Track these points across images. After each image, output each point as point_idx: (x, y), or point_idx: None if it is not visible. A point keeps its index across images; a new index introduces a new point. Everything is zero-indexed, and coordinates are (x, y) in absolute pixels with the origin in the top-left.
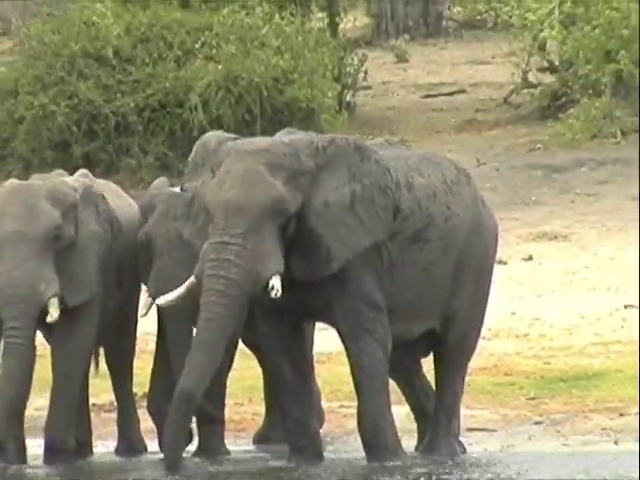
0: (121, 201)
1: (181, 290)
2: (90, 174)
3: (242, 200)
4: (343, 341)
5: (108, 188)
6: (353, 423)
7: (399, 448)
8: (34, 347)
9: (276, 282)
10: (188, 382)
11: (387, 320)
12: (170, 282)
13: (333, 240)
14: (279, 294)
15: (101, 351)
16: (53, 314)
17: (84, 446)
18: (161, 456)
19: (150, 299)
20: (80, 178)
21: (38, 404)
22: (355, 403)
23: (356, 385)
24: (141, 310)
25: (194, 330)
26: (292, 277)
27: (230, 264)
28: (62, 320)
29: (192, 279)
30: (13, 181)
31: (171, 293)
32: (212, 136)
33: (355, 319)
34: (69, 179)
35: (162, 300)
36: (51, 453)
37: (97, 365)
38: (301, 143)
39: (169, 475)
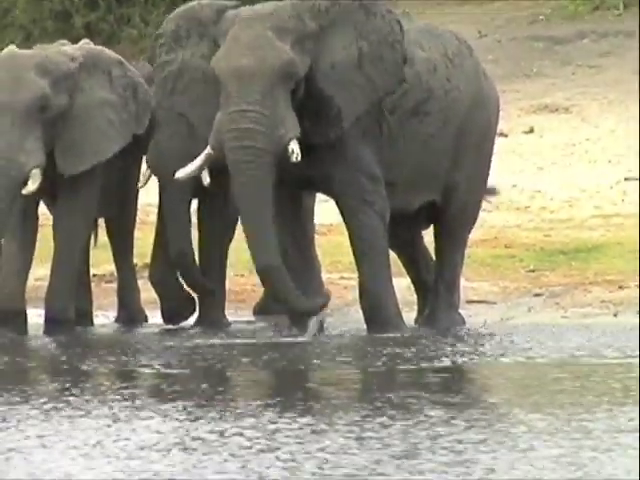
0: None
1: (198, 162)
2: (92, 44)
3: (254, 66)
4: (342, 213)
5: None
6: (353, 294)
7: (400, 320)
8: (34, 218)
9: (295, 146)
10: (265, 257)
11: (385, 192)
12: (165, 155)
13: (343, 100)
14: (299, 157)
15: (101, 222)
16: (30, 186)
17: (84, 316)
18: (162, 326)
19: (148, 170)
20: (85, 46)
21: (39, 274)
22: (355, 274)
23: (356, 258)
24: (140, 181)
25: (191, 202)
26: (305, 142)
27: (252, 132)
28: (63, 191)
29: (209, 150)
30: (11, 48)
31: (189, 165)
32: (204, 5)
33: (354, 191)
34: (70, 48)
35: (182, 173)
36: (51, 323)
37: (96, 236)
38: (303, 6)
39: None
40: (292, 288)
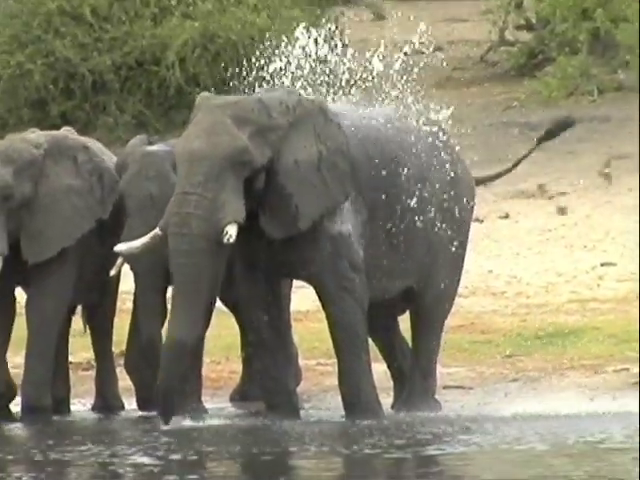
0: (103, 158)
1: (145, 240)
2: (74, 131)
3: (205, 150)
4: (321, 299)
5: (93, 145)
6: (330, 380)
7: (379, 407)
8: (10, 303)
9: (231, 229)
10: (182, 332)
11: (365, 279)
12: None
13: (302, 199)
14: (232, 240)
15: (78, 309)
16: None
17: (62, 404)
18: (138, 414)
19: (121, 259)
20: (52, 132)
21: (15, 362)
22: (332, 360)
23: (335, 345)
24: (112, 270)
25: (166, 289)
26: (267, 236)
27: (190, 217)
28: (36, 277)
29: (157, 231)
30: None
31: (135, 242)
32: (202, 96)
33: (333, 277)
34: (36, 135)
35: (124, 247)
36: (27, 411)
37: (84, 323)
38: (272, 101)
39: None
40: (177, 375)
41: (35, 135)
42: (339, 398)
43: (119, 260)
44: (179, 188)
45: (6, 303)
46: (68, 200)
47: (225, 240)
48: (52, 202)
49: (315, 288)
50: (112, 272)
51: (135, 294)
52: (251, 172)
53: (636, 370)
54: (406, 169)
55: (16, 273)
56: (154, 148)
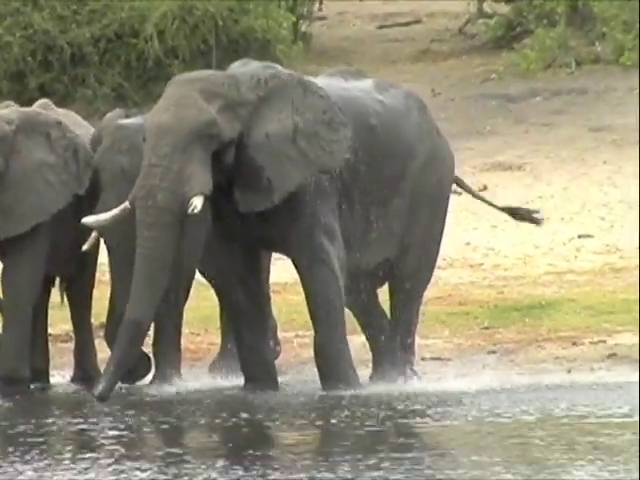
0: (81, 130)
1: (114, 212)
2: (51, 103)
3: (172, 123)
4: (298, 271)
5: (68, 118)
6: (308, 352)
7: (355, 378)
8: None
9: (197, 201)
10: (136, 313)
11: (343, 250)
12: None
13: (274, 172)
14: (196, 211)
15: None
16: None
17: (41, 375)
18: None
19: (95, 233)
20: (23, 109)
21: None
22: (310, 332)
23: (312, 316)
24: (85, 245)
25: None
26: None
27: (155, 189)
28: (9, 250)
29: (126, 204)
30: None
31: (103, 214)
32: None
33: (310, 249)
34: (8, 111)
35: (92, 219)
36: (5, 383)
37: (62, 295)
38: (243, 76)
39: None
40: (129, 355)
41: (7, 111)
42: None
43: (92, 234)
44: (146, 160)
45: None
46: (41, 176)
47: (190, 211)
48: (23, 178)
49: (292, 261)
50: (84, 247)
51: (109, 267)
52: (219, 145)
53: (612, 342)
54: (386, 141)
55: None
56: (127, 121)
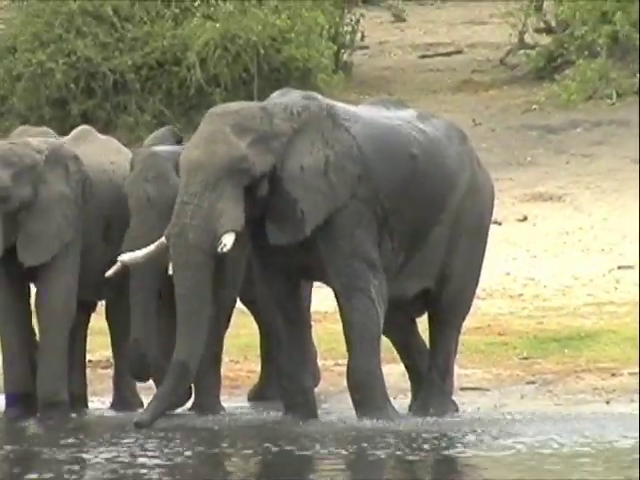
0: (120, 157)
1: (150, 249)
2: (93, 130)
3: (203, 159)
4: (337, 300)
5: (109, 144)
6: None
7: (387, 405)
8: (24, 300)
9: (227, 238)
10: (182, 354)
11: (383, 278)
12: (136, 242)
13: (308, 204)
14: (225, 249)
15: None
16: None
17: (79, 400)
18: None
19: (119, 263)
20: (50, 139)
21: None
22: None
23: (347, 342)
24: (109, 271)
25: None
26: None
27: (187, 228)
28: (40, 275)
29: (162, 240)
30: None
31: (139, 251)
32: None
33: (348, 277)
34: (36, 140)
35: (128, 257)
36: (44, 407)
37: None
38: (276, 107)
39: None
40: (176, 393)
41: (36, 140)
42: None
43: (117, 264)
44: (179, 198)
45: (21, 301)
46: (60, 208)
47: (219, 250)
48: (49, 208)
49: (331, 288)
50: (108, 273)
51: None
52: (251, 180)
53: None
54: (427, 171)
55: (23, 272)
56: (159, 149)
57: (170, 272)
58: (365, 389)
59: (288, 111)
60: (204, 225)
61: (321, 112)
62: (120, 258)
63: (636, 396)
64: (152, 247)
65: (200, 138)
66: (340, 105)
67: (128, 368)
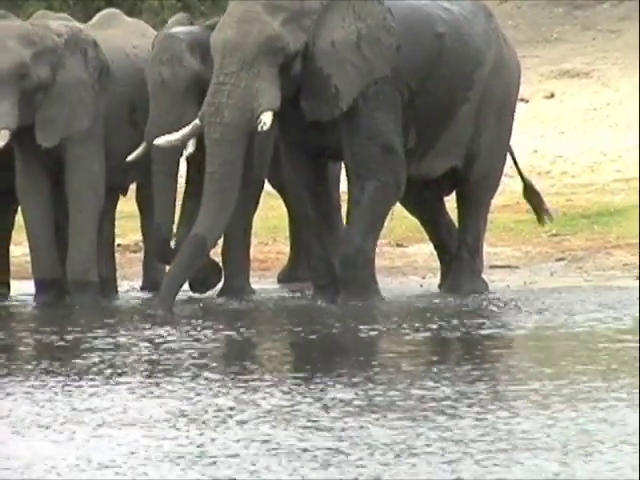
0: (143, 40)
1: (184, 131)
2: (119, 13)
3: (237, 39)
4: (347, 179)
5: (135, 27)
6: (376, 261)
7: (372, 286)
8: (47, 188)
9: (266, 117)
10: (202, 229)
11: (402, 163)
12: (153, 126)
13: (341, 79)
14: (265, 128)
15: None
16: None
17: (108, 283)
18: (188, 294)
19: (145, 144)
20: (70, 23)
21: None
22: (377, 242)
23: (348, 219)
24: (132, 154)
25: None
26: (306, 118)
27: (223, 107)
28: (64, 165)
29: (197, 121)
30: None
31: (175, 134)
32: None
33: (362, 159)
34: (56, 24)
35: (163, 140)
36: (75, 287)
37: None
38: None
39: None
40: (192, 269)
41: (56, 24)
42: (386, 279)
43: (142, 145)
44: (214, 79)
45: (44, 189)
46: (77, 92)
47: (259, 128)
48: (66, 92)
49: (345, 169)
50: (130, 157)
51: (187, 178)
52: (285, 58)
53: None
54: (453, 49)
55: (45, 160)
56: (175, 30)
57: (186, 153)
58: (352, 266)
59: None
60: (241, 104)
61: None
62: (156, 141)
63: None
64: (187, 129)
65: (232, 18)
66: None
67: (152, 252)
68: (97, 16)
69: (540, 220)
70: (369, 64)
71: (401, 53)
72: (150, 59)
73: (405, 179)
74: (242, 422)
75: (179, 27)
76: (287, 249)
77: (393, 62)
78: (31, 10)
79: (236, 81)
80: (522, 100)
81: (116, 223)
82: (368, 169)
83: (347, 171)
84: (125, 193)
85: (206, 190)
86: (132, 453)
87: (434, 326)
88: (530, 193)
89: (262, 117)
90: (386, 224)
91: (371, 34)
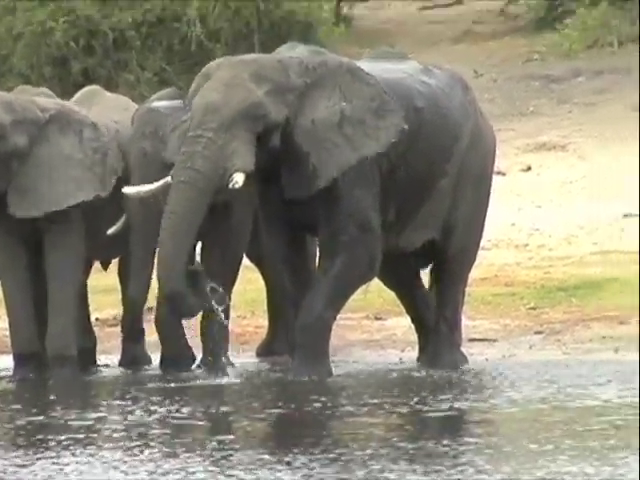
0: (125, 115)
1: (154, 186)
2: (100, 90)
3: (220, 102)
4: (320, 253)
5: (118, 102)
6: (354, 335)
7: (324, 359)
8: (24, 261)
9: (239, 177)
10: (172, 283)
11: (377, 240)
12: (135, 199)
13: (319, 158)
14: (237, 186)
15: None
16: None
17: (88, 354)
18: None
19: (123, 219)
20: (61, 102)
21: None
22: (356, 315)
23: (313, 284)
24: (111, 229)
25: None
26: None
27: (197, 156)
28: (46, 234)
29: (167, 178)
30: None
31: (146, 185)
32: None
33: (337, 235)
34: (45, 100)
35: (133, 189)
36: (55, 363)
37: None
38: (291, 61)
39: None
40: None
41: (44, 100)
42: (364, 352)
43: (122, 219)
44: (190, 132)
45: (21, 262)
46: (66, 169)
47: (231, 185)
48: (50, 167)
49: (319, 243)
50: (110, 231)
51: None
52: (264, 127)
53: None
54: (432, 123)
55: (24, 234)
56: (157, 104)
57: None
58: (309, 333)
59: (303, 65)
60: (215, 158)
61: (340, 67)
62: (125, 190)
63: None
64: (158, 183)
65: (218, 83)
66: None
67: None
68: (79, 93)
69: None
70: (352, 143)
71: None
72: (132, 133)
73: (380, 256)
74: None
75: (160, 101)
76: (265, 322)
77: (382, 142)
78: (9, 84)
79: (214, 137)
80: (499, 173)
81: (94, 297)
82: (342, 244)
83: (320, 246)
84: (106, 267)
85: (164, 229)
86: None
87: (412, 402)
88: None
89: (234, 176)
90: (363, 297)
91: (355, 115)
